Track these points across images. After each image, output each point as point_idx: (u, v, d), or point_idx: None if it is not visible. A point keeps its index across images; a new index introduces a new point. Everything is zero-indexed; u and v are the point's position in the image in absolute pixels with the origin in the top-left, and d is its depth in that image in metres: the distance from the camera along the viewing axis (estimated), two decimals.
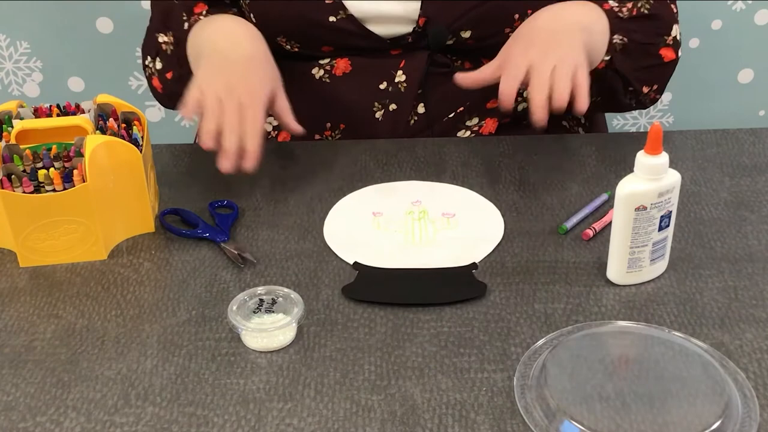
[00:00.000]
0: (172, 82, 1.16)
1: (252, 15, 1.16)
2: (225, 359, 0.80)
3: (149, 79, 1.20)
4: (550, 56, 0.95)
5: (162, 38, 1.15)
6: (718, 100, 1.91)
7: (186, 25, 1.13)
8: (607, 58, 1.09)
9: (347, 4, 1.11)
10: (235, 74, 0.99)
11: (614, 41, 1.08)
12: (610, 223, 0.89)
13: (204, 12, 1.15)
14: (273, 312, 0.82)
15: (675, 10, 1.14)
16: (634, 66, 1.11)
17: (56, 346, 0.82)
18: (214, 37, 1.07)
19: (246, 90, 0.97)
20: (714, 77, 1.87)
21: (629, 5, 1.09)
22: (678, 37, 1.13)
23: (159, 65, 1.17)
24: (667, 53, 1.12)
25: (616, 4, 1.09)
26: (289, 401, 0.75)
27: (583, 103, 0.95)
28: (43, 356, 0.81)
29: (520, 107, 1.15)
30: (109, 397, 0.76)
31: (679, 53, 1.14)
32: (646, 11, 1.10)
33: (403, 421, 0.73)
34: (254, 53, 1.04)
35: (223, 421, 0.73)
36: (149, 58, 1.18)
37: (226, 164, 0.94)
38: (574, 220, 0.97)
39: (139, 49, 1.77)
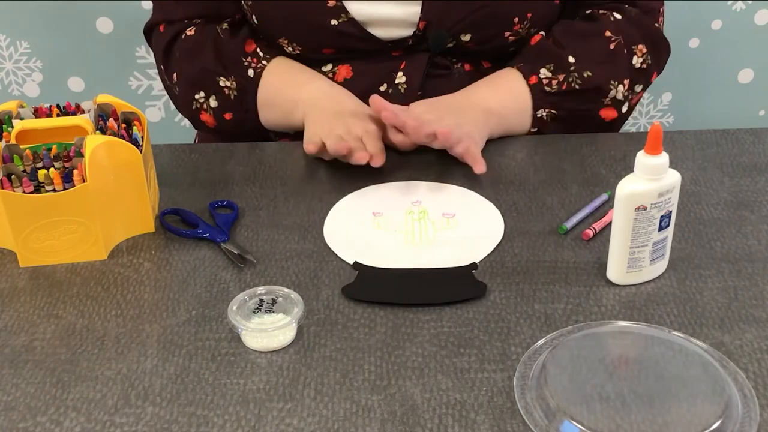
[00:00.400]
0: (230, 123, 1.18)
1: (254, 17, 1.16)
2: (225, 359, 0.80)
3: (197, 111, 1.19)
4: (442, 121, 1.04)
5: (224, 82, 1.16)
6: (718, 100, 1.90)
7: (251, 72, 1.15)
8: (534, 129, 1.12)
9: (349, 7, 1.11)
10: (350, 119, 1.07)
11: (538, 115, 1.10)
12: (610, 223, 0.89)
13: (258, 51, 1.16)
14: (273, 312, 0.82)
15: (635, 60, 1.13)
16: (575, 130, 1.14)
17: (56, 346, 0.82)
18: (315, 96, 1.13)
19: (363, 128, 1.05)
20: (714, 77, 1.87)
21: (560, 77, 1.10)
22: (620, 95, 1.13)
23: (214, 104, 1.18)
24: (607, 113, 1.14)
25: (548, 75, 1.10)
26: (289, 401, 0.75)
27: (478, 168, 1.02)
28: (43, 356, 0.81)
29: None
30: (109, 397, 0.76)
31: (624, 108, 1.15)
32: (577, 86, 1.11)
33: (403, 421, 0.73)
34: (359, 106, 1.11)
35: (223, 421, 0.73)
36: (202, 93, 1.17)
37: (361, 155, 1.01)
38: (574, 220, 0.97)
39: (139, 49, 1.79)
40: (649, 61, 1.14)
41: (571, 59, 1.11)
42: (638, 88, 1.15)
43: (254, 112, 1.16)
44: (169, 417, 0.74)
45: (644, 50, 1.13)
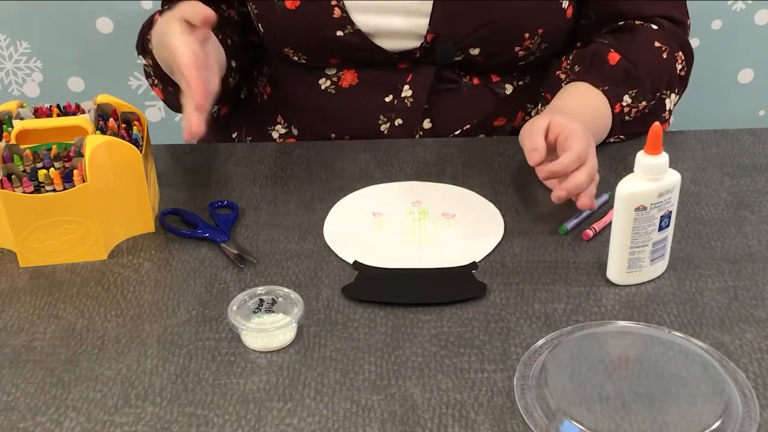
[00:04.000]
0: (171, 96, 1.15)
1: (260, 25, 1.16)
2: (225, 359, 0.80)
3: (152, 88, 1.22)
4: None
5: (141, 61, 1.17)
6: (718, 100, 1.90)
7: (151, 45, 1.11)
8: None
9: (355, 18, 1.10)
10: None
11: (610, 141, 1.09)
12: (610, 223, 0.89)
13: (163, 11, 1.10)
14: (273, 312, 0.82)
15: (678, 67, 1.11)
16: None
17: (56, 346, 0.82)
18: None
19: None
20: (714, 77, 1.87)
21: (640, 106, 1.07)
22: (672, 105, 1.12)
23: (154, 82, 1.19)
24: (664, 126, 1.13)
25: (629, 102, 1.07)
26: (289, 401, 0.75)
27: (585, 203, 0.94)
28: (43, 356, 0.81)
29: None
30: (109, 397, 0.76)
31: (672, 119, 1.14)
32: (647, 111, 1.09)
33: (403, 421, 0.73)
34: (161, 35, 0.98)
35: (223, 421, 0.73)
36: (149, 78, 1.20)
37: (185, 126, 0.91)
38: (574, 220, 0.97)
39: None
40: (686, 70, 1.13)
41: (649, 84, 1.08)
42: (677, 99, 1.14)
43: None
44: (169, 417, 0.74)
45: (682, 57, 1.12)
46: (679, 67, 1.12)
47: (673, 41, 1.12)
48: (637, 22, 1.13)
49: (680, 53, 1.12)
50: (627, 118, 1.07)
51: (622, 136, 1.09)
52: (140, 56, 1.17)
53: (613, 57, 1.08)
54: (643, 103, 1.08)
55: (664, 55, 1.10)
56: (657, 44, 1.10)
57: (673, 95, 1.12)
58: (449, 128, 1.16)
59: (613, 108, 1.06)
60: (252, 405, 0.75)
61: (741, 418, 0.71)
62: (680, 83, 1.13)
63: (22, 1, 1.72)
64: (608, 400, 0.72)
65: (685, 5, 1.17)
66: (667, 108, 1.12)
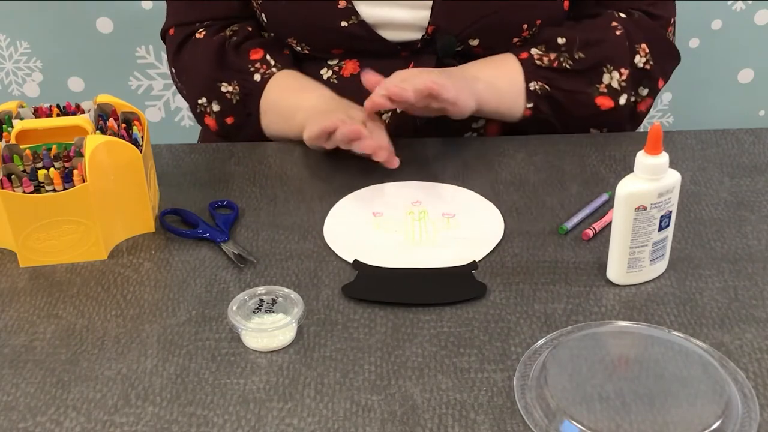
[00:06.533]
0: (232, 127, 1.19)
1: (263, 15, 1.16)
2: (225, 359, 0.80)
3: (200, 115, 1.21)
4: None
5: (225, 87, 1.16)
6: (718, 100, 1.91)
7: (257, 77, 1.15)
8: (530, 105, 1.11)
9: (359, 9, 1.11)
10: (352, 110, 1.07)
11: (531, 88, 1.10)
12: (610, 223, 0.89)
13: (267, 57, 1.16)
14: (273, 312, 0.82)
15: (638, 58, 1.12)
16: (572, 115, 1.13)
17: (56, 346, 0.82)
18: (317, 103, 1.12)
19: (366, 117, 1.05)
20: (714, 77, 1.87)
21: (552, 56, 1.11)
22: (616, 84, 1.12)
23: (217, 107, 1.18)
24: (603, 102, 1.13)
25: (539, 53, 1.11)
26: (289, 401, 0.75)
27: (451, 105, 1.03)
28: (43, 356, 0.81)
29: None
30: (109, 397, 0.76)
31: (621, 100, 1.12)
32: (568, 66, 1.11)
33: (403, 421, 0.73)
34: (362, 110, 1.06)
35: (223, 421, 0.73)
36: (204, 99, 1.18)
37: (367, 143, 0.99)
38: (574, 220, 0.97)
39: (139, 49, 1.79)
40: (652, 63, 1.13)
41: (561, 40, 1.11)
42: (643, 91, 1.14)
43: (256, 116, 1.16)
44: (169, 417, 0.74)
45: (646, 50, 1.12)
46: (640, 59, 1.12)
47: (639, 32, 1.13)
48: (608, 12, 1.15)
49: (644, 45, 1.13)
50: (539, 63, 1.11)
51: (547, 87, 1.11)
52: (222, 82, 1.17)
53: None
54: (554, 54, 1.10)
55: (617, 33, 1.12)
56: (613, 24, 1.13)
57: (615, 73, 1.12)
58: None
59: (518, 56, 1.11)
60: (252, 405, 0.75)
61: (741, 418, 0.71)
62: (642, 75, 1.13)
63: (22, 1, 1.73)
64: (608, 400, 0.72)
65: (672, 2, 1.18)
66: (605, 82, 1.12)
